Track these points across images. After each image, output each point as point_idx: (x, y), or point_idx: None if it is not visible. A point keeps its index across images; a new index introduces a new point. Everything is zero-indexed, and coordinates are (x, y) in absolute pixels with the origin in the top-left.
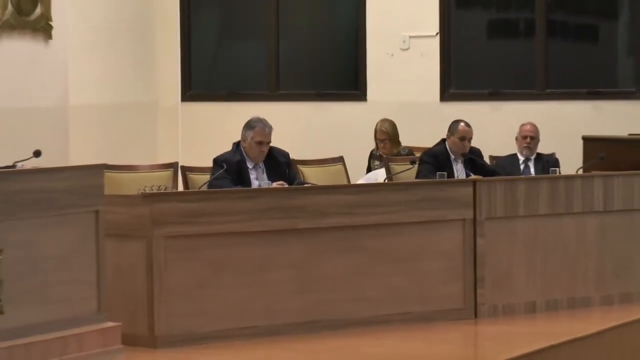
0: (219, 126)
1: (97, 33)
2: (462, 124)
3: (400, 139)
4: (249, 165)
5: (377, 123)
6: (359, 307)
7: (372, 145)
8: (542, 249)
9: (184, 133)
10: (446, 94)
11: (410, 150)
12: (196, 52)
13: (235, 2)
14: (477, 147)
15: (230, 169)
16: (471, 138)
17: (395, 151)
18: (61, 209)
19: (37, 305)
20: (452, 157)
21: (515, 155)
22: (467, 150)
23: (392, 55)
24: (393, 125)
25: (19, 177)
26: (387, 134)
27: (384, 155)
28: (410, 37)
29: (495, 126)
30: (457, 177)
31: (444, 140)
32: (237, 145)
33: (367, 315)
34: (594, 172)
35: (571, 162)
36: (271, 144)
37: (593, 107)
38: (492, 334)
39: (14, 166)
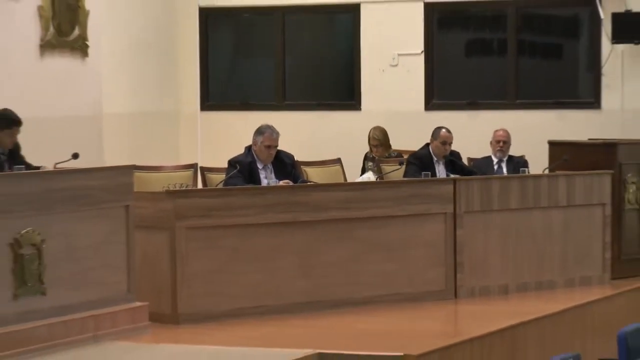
0: (233, 132)
1: (127, 52)
2: (443, 130)
3: (390, 143)
4: (259, 166)
5: (371, 130)
6: (354, 289)
7: (367, 149)
8: (513, 238)
9: (203, 138)
10: (430, 104)
11: (399, 153)
12: (213, 67)
13: (247, 24)
14: (457, 150)
15: (242, 169)
16: (451, 142)
17: (386, 154)
18: (96, 204)
19: (75, 288)
20: (435, 159)
21: (489, 157)
22: (447, 152)
23: (383, 70)
24: (384, 132)
25: (60, 176)
26: (379, 140)
27: (377, 157)
28: (399, 55)
29: (472, 132)
30: (439, 176)
31: (427, 144)
32: (248, 148)
33: (361, 296)
34: (558, 172)
35: (538, 163)
36: (278, 148)
37: (557, 115)
38: (470, 313)
39: (37, 168)
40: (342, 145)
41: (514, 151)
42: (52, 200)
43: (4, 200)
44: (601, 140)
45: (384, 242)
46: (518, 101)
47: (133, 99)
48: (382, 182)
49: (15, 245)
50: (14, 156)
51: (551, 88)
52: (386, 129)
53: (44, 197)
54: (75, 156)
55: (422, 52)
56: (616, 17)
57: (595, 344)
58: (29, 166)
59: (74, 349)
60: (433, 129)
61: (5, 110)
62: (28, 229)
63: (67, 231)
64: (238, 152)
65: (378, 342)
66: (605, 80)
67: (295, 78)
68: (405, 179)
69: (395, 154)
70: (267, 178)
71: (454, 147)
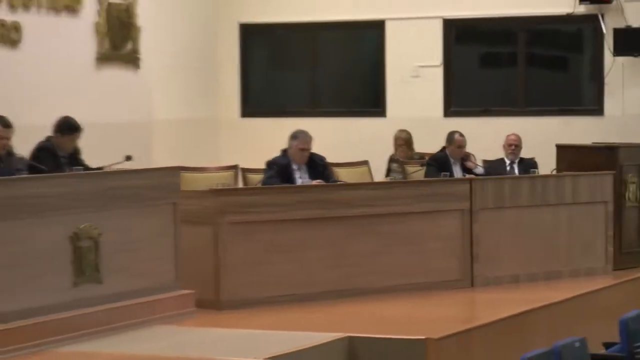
0: (270, 136)
1: (175, 64)
2: (457, 134)
3: (413, 146)
4: (294, 167)
5: (396, 132)
6: (379, 278)
7: (391, 152)
8: (523, 233)
9: (243, 141)
10: (448, 111)
11: (422, 155)
12: (252, 78)
13: (282, 39)
14: (473, 153)
15: (279, 170)
16: (465, 145)
17: (410, 154)
18: (147, 201)
19: (128, 277)
20: (452, 160)
21: (502, 159)
22: (462, 154)
23: (406, 81)
24: (408, 134)
25: (114, 176)
26: (404, 140)
27: (401, 159)
28: (420, 67)
29: (486, 136)
30: (456, 176)
31: (444, 147)
32: (284, 151)
33: (385, 285)
34: (564, 172)
35: (547, 164)
36: (311, 151)
37: (563, 121)
38: (485, 300)
39: (101, 168)
40: (369, 148)
41: (524, 154)
42: (108, 198)
43: (64, 198)
44: (604, 144)
45: (406, 235)
46: (527, 108)
47: (180, 106)
48: (405, 181)
49: (75, 238)
50: (74, 159)
51: (557, 96)
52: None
53: (100, 195)
54: (128, 158)
55: (441, 64)
56: (617, 32)
57: (598, 329)
58: (87, 168)
59: (127, 332)
60: (455, 135)
61: (68, 118)
62: (86, 223)
63: (121, 226)
64: (275, 154)
65: (402, 327)
66: (607, 89)
67: (327, 88)
68: (426, 178)
69: (418, 156)
70: (301, 178)
71: (471, 150)
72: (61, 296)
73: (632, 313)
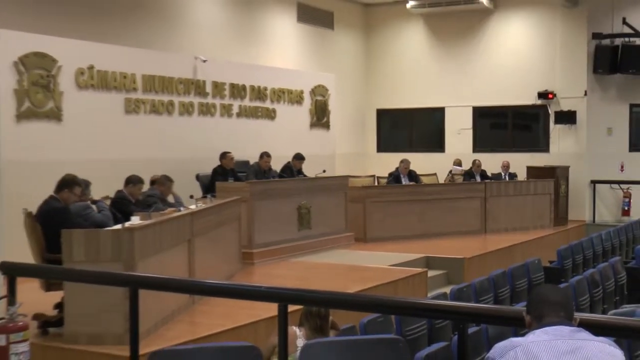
0: (390, 161)
1: (346, 127)
2: (477, 160)
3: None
4: (401, 176)
5: (455, 159)
6: (441, 228)
7: (449, 168)
8: (510, 207)
9: (378, 164)
10: (475, 150)
11: (460, 171)
12: (382, 133)
13: (397, 115)
14: (484, 169)
15: (393, 177)
16: (481, 165)
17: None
18: (337, 192)
19: (324, 227)
20: (475, 173)
21: (500, 173)
22: (480, 170)
23: (454, 135)
24: (459, 159)
25: (317, 180)
26: (457, 162)
27: (452, 173)
28: (461, 129)
29: (492, 162)
30: (478, 181)
31: (471, 167)
32: (397, 169)
33: (444, 231)
34: (530, 179)
35: (522, 175)
36: (410, 168)
37: (530, 155)
38: (492, 239)
39: (306, 175)
40: (436, 167)
41: (511, 170)
42: (314, 189)
43: (295, 189)
44: (549, 166)
45: (455, 208)
46: (513, 149)
47: (349, 146)
48: (454, 183)
49: (299, 208)
50: (300, 172)
51: (527, 143)
52: (459, 160)
53: (311, 188)
54: (324, 171)
55: (471, 128)
56: (557, 113)
57: (547, 254)
58: (305, 175)
59: (323, 252)
60: (476, 161)
61: (300, 153)
62: (304, 201)
63: (320, 203)
64: (392, 170)
65: (452, 251)
66: (551, 140)
67: (417, 138)
68: (463, 182)
69: (460, 171)
70: (404, 181)
71: (483, 168)
72: (292, 235)
73: (563, 247)
